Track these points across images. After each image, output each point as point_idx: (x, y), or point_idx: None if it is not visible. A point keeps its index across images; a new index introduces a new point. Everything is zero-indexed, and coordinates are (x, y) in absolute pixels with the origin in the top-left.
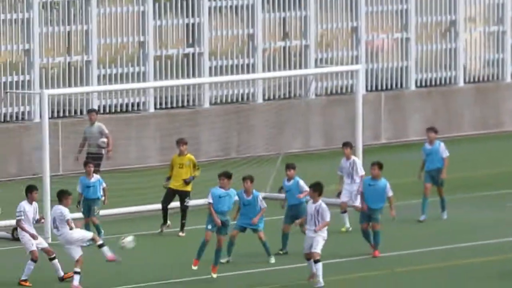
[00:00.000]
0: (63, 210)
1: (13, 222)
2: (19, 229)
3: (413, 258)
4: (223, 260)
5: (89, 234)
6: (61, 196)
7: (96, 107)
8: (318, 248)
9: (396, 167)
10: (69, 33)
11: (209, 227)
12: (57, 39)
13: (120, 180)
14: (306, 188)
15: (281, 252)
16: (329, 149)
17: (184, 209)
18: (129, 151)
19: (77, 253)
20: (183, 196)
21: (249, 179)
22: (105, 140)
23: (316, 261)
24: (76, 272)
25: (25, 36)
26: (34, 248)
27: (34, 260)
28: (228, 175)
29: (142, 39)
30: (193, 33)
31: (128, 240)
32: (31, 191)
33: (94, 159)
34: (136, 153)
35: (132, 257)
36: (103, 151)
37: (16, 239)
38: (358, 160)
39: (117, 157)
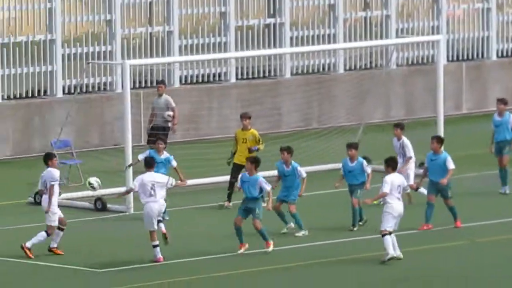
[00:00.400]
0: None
1: (94, 193)
2: (47, 196)
3: (494, 228)
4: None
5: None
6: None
7: (177, 78)
8: (382, 225)
9: (477, 137)
10: (150, 3)
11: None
12: (138, 9)
13: (202, 150)
14: (369, 171)
15: (360, 223)
16: (410, 119)
17: None
18: (211, 121)
19: None
20: None
21: (286, 150)
22: (171, 113)
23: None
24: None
25: (106, 6)
26: (61, 215)
27: (61, 228)
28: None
29: (223, 9)
30: (274, 3)
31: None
32: (51, 159)
33: (160, 132)
34: (218, 124)
35: (197, 230)
36: (169, 124)
37: (99, 209)
38: (407, 141)
39: (199, 127)
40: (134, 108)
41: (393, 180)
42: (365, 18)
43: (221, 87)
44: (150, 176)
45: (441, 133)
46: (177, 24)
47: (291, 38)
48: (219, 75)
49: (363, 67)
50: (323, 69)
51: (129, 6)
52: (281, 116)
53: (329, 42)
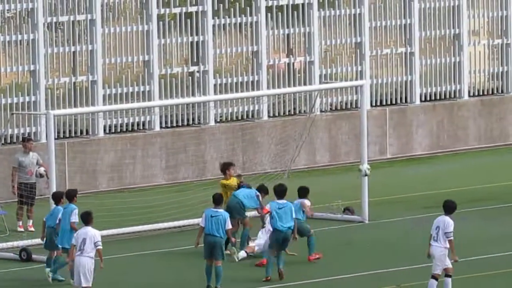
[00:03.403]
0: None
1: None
2: None
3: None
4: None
5: None
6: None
7: (101, 127)
8: None
9: (402, 182)
10: (74, 53)
11: None
12: (62, 59)
13: (126, 199)
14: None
15: None
16: (334, 164)
17: None
18: (135, 170)
19: None
20: None
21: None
22: (43, 169)
23: None
24: None
25: (30, 57)
26: None
27: None
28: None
29: (146, 58)
30: (197, 51)
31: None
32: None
33: (27, 189)
34: (142, 172)
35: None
36: (39, 180)
37: (24, 260)
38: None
39: (123, 176)
40: (59, 158)
41: None
42: (289, 64)
43: (145, 135)
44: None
45: (366, 178)
46: (101, 73)
47: (215, 86)
48: (143, 124)
49: (287, 113)
50: (247, 116)
51: (53, 56)
52: (206, 164)
53: (252, 89)
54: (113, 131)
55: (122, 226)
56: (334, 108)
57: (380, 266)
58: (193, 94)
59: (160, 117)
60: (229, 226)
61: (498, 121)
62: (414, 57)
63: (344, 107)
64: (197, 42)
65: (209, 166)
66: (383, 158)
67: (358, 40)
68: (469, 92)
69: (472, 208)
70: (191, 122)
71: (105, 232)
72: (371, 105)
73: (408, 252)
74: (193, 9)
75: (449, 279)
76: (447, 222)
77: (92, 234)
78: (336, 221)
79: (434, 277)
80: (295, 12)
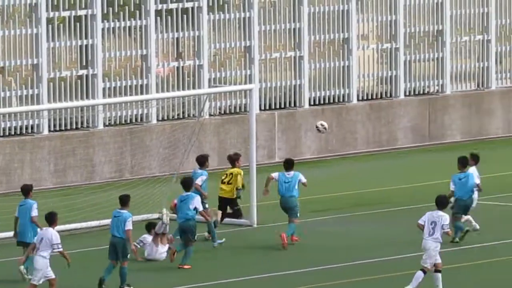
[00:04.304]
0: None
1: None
2: None
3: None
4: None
5: None
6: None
7: None
8: None
9: None
10: None
11: None
12: None
13: (15, 203)
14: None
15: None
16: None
17: None
18: (23, 174)
19: None
20: None
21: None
22: None
23: None
24: None
25: None
26: None
27: None
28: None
29: (35, 61)
30: (86, 55)
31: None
32: None
33: None
34: (30, 176)
35: None
36: None
37: None
38: None
39: (11, 180)
40: None
41: None
42: (178, 68)
43: (33, 139)
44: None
45: (254, 181)
46: None
47: (104, 89)
48: (32, 127)
49: (176, 117)
50: (136, 119)
51: None
52: (94, 167)
53: (141, 93)
54: (1, 134)
55: (6, 231)
56: (223, 112)
57: (267, 270)
58: (82, 98)
59: (49, 120)
60: (128, 227)
61: (387, 125)
62: (303, 61)
63: (233, 111)
64: (86, 46)
65: (98, 170)
66: (271, 162)
67: (247, 44)
68: (357, 96)
69: (361, 212)
70: (79, 125)
71: None
72: (260, 109)
73: (295, 256)
74: (82, 12)
75: (439, 274)
76: (444, 217)
77: (49, 236)
78: (225, 225)
79: (423, 270)
80: (185, 16)
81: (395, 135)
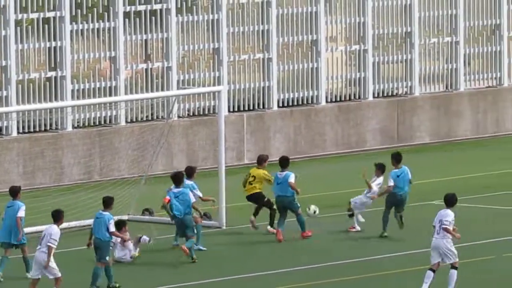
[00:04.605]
0: None
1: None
2: None
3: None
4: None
5: None
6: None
7: None
8: None
9: None
10: None
11: None
12: None
13: None
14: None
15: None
16: None
17: None
18: None
19: None
20: None
21: None
22: None
23: None
24: None
25: None
26: None
27: None
28: None
29: (4, 63)
30: (55, 57)
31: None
32: None
33: None
34: None
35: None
36: None
37: None
38: None
39: None
40: None
41: None
42: (146, 69)
43: (2, 141)
44: None
45: (223, 183)
46: None
47: (72, 91)
48: (0, 129)
49: (144, 119)
50: (105, 121)
51: None
52: (63, 169)
53: (110, 95)
54: None
55: None
56: (191, 114)
57: (235, 272)
58: (50, 100)
59: (18, 122)
60: (111, 229)
61: (355, 126)
62: (271, 63)
63: (201, 113)
64: (55, 48)
65: (67, 172)
66: (240, 163)
67: (216, 45)
68: (326, 98)
69: (329, 213)
70: (48, 127)
71: None
72: (229, 111)
73: (264, 258)
74: (50, 14)
75: (455, 271)
76: (447, 214)
77: (50, 231)
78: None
79: (454, 267)
80: (153, 18)
81: (364, 137)
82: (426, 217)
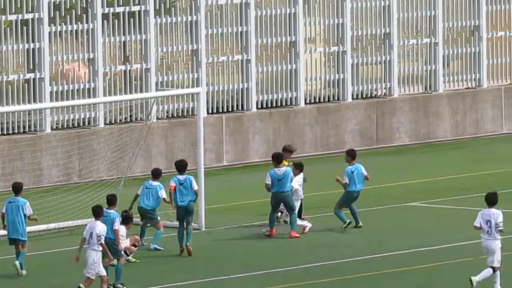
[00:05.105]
0: None
1: None
2: None
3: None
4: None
5: None
6: None
7: None
8: None
9: (239, 189)
10: None
11: None
12: None
13: None
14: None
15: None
16: (172, 172)
17: None
18: None
19: None
20: None
21: None
22: None
23: None
24: None
25: None
26: None
27: None
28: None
29: None
30: (33, 58)
31: None
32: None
33: None
34: None
35: None
36: None
37: None
38: None
39: None
40: None
41: None
42: (125, 71)
43: None
44: None
45: (202, 185)
46: None
47: (51, 93)
48: None
49: (123, 120)
50: (84, 123)
51: None
52: (42, 171)
53: (89, 96)
54: None
55: None
56: (170, 116)
57: (214, 274)
58: (29, 101)
59: None
60: (116, 227)
61: (334, 128)
62: (250, 64)
63: (180, 115)
64: (33, 49)
65: (46, 174)
66: (219, 165)
67: (195, 47)
68: (305, 99)
69: (308, 215)
70: (27, 129)
71: None
72: (208, 113)
73: (243, 260)
74: (29, 16)
75: (498, 272)
76: (497, 214)
77: (98, 228)
78: (173, 228)
79: (493, 268)
80: (132, 19)
81: (343, 138)
82: (406, 218)
